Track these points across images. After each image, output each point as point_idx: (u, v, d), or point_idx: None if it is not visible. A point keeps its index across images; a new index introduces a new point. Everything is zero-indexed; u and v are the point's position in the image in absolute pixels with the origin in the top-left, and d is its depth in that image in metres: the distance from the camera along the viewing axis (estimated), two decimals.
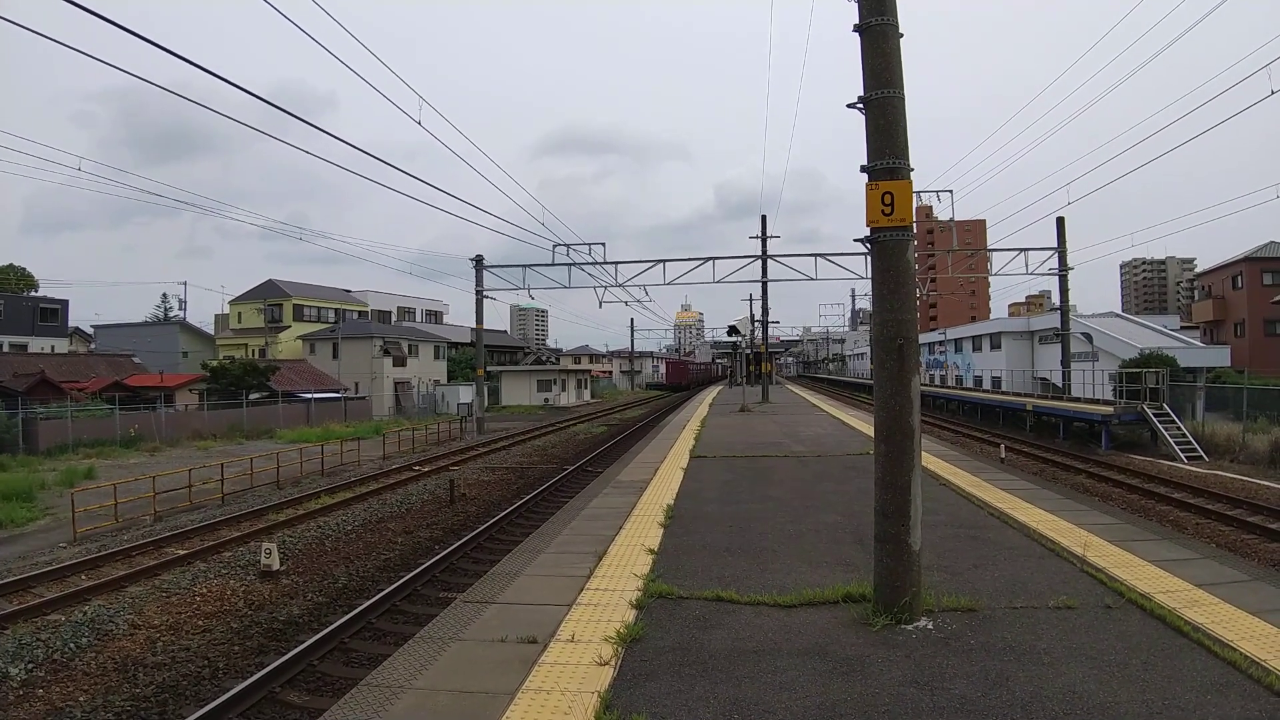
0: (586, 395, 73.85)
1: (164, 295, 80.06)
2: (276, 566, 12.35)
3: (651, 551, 8.22)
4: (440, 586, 11.43)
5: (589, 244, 33.79)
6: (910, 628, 5.67)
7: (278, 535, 14.56)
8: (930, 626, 5.70)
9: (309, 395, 42.55)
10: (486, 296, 38.05)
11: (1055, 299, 39.08)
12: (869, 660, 5.14)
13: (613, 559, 7.99)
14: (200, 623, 10.22)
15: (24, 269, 67.32)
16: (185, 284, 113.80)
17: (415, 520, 16.83)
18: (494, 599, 6.75)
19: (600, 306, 49.57)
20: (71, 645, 9.18)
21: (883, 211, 5.87)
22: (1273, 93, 16.52)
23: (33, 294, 59.52)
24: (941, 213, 30.39)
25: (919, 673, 4.91)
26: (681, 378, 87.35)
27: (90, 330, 62.98)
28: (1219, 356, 40.33)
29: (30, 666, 8.58)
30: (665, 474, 14.08)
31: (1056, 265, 34.57)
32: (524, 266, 36.05)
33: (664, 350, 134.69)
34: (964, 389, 51.63)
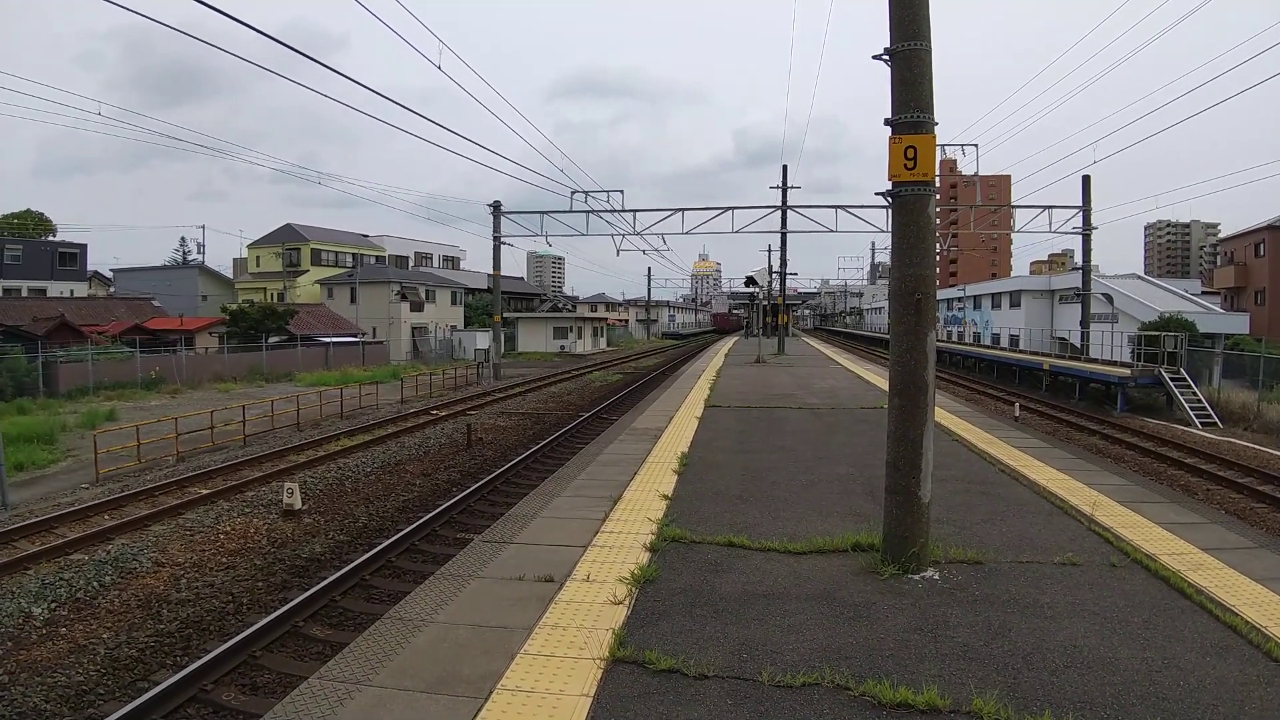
0: (602, 343, 74.07)
1: (182, 239, 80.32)
2: (298, 506, 12.65)
3: (665, 497, 8.38)
4: (458, 528, 11.69)
5: (607, 191, 33.56)
6: (917, 577, 5.80)
7: (299, 476, 14.86)
8: (936, 577, 5.83)
9: (327, 339, 42.84)
10: (504, 242, 37.95)
11: (1078, 258, 38.56)
12: (875, 607, 5.28)
13: (627, 504, 8.15)
14: (224, 560, 10.50)
15: (42, 214, 67.53)
16: (203, 228, 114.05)
17: (433, 463, 17.13)
18: (511, 540, 6.94)
19: (618, 255, 49.25)
20: (95, 584, 9.30)
21: (905, 165, 5.83)
22: None
23: (51, 238, 59.72)
24: (966, 167, 29.91)
25: (924, 620, 5.04)
26: (724, 324, 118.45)
27: (109, 274, 63.07)
28: (1238, 324, 39.78)
29: (53, 605, 8.68)
30: (680, 422, 14.21)
31: (1080, 224, 33.97)
32: (541, 213, 35.75)
33: (680, 299, 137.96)
34: (981, 346, 51.29)
